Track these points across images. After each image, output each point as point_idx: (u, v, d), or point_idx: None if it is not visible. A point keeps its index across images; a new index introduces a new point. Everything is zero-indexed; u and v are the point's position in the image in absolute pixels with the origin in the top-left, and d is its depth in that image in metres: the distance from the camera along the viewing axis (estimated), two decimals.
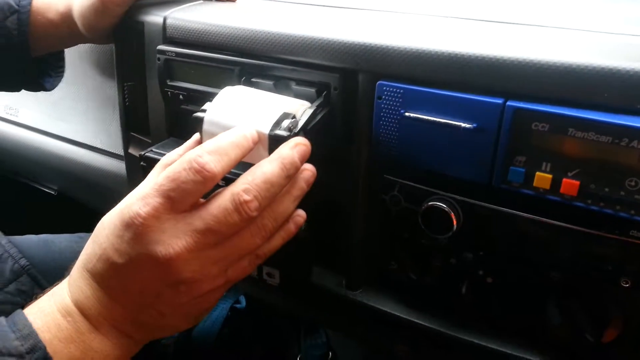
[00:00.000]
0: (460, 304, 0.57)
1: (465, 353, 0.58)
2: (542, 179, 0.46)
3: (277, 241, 0.49)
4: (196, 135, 0.52)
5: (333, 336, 1.26)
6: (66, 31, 0.71)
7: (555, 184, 0.46)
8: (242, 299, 1.37)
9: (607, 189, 0.44)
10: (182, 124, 0.68)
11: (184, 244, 0.42)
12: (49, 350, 0.42)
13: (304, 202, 0.57)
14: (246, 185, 0.44)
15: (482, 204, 0.51)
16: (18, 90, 0.79)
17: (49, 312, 0.45)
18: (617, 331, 0.51)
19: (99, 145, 0.89)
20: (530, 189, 0.47)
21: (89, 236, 0.96)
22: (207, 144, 0.45)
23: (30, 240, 0.91)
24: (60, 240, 0.93)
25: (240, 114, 0.51)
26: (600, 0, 0.70)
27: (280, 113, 0.50)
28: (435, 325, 0.58)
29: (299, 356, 1.26)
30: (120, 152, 0.86)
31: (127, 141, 0.76)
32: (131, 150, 0.76)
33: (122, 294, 0.44)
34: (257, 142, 0.48)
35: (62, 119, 0.94)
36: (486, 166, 0.49)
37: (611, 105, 0.43)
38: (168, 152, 0.61)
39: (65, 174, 0.98)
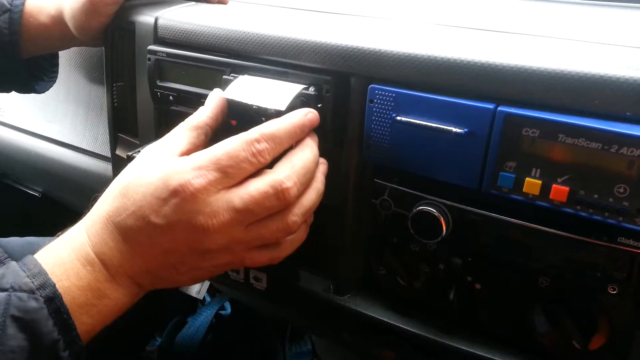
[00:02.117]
0: (448, 310, 0.57)
1: (451, 359, 0.57)
2: (532, 184, 0.46)
3: (302, 233, 0.52)
4: (217, 93, 0.54)
5: (319, 344, 1.25)
6: (57, 33, 0.71)
7: (545, 189, 0.46)
8: (227, 306, 1.36)
9: (596, 196, 0.44)
10: (171, 125, 0.68)
11: (221, 219, 0.44)
12: (64, 294, 0.44)
13: None
14: (288, 172, 0.46)
15: (472, 209, 0.51)
16: (8, 91, 0.78)
17: (68, 261, 0.47)
18: (604, 338, 0.51)
19: (85, 147, 0.88)
20: (519, 195, 0.47)
21: None
22: (266, 128, 0.48)
23: (15, 242, 0.89)
24: (45, 243, 0.92)
25: (256, 94, 0.53)
26: (591, 11, 0.71)
27: (296, 92, 0.52)
28: (422, 331, 0.58)
29: None
30: (107, 153, 0.85)
31: (114, 142, 0.75)
32: (118, 152, 0.75)
33: (148, 250, 0.46)
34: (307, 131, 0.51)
35: (48, 120, 0.93)
36: (476, 171, 0.49)
37: (601, 112, 0.43)
38: None
39: (51, 175, 0.96)
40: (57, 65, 0.80)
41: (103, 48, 0.72)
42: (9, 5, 0.70)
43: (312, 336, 1.27)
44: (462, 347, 0.56)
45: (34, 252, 0.87)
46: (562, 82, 0.44)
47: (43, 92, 0.79)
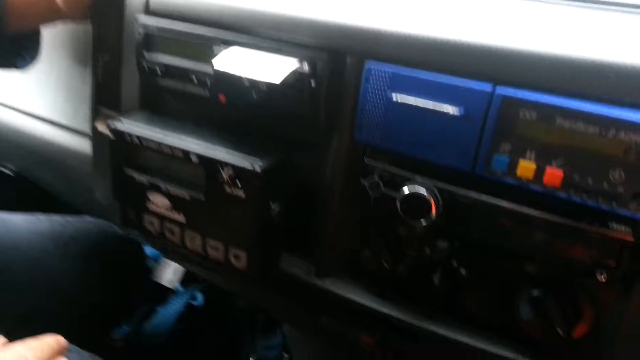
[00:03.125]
0: (432, 295, 0.56)
1: (434, 346, 0.57)
2: (526, 168, 0.46)
3: None
4: None
5: (289, 337, 1.24)
6: (43, 6, 0.68)
7: (539, 173, 0.46)
8: (199, 296, 1.34)
9: (590, 181, 0.44)
10: (157, 100, 0.66)
11: None
12: None
13: (280, 186, 0.56)
14: None
15: (463, 191, 0.50)
16: None
17: None
18: (588, 326, 0.51)
19: (63, 122, 0.84)
20: (513, 178, 0.47)
21: (47, 218, 0.91)
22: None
23: None
24: (16, 220, 0.89)
25: (248, 66, 0.51)
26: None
27: (292, 69, 0.50)
28: (405, 316, 0.58)
29: (254, 357, 1.23)
30: (86, 129, 0.82)
31: (96, 115, 0.72)
32: (99, 127, 0.73)
33: None
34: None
35: (23, 92, 0.89)
36: (470, 153, 0.48)
37: (600, 96, 0.43)
38: (139, 128, 0.58)
39: (26, 151, 0.92)
40: (39, 43, 0.76)
41: (88, 23, 0.70)
42: None
43: (282, 329, 1.26)
44: (445, 333, 0.56)
45: (6, 232, 0.84)
46: (562, 66, 0.44)
47: (24, 68, 0.76)
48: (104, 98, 0.70)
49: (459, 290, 0.56)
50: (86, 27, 0.76)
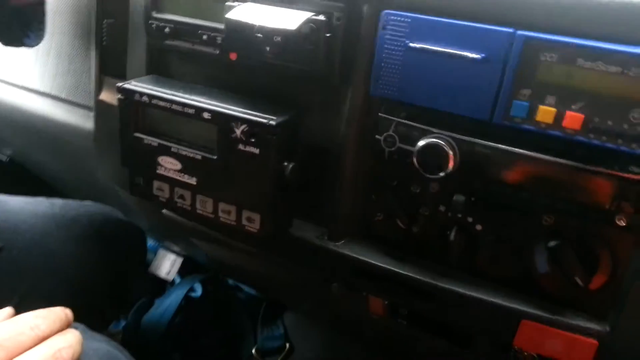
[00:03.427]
0: (447, 253, 0.56)
1: (451, 303, 0.56)
2: (546, 112, 0.46)
3: None
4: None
5: (291, 327, 1.23)
6: None
7: (559, 117, 0.46)
8: (198, 287, 1.32)
9: (610, 122, 0.44)
10: (165, 64, 0.65)
11: None
12: None
13: (293, 144, 0.55)
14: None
15: (480, 141, 0.50)
16: None
17: None
18: (605, 277, 0.51)
19: (63, 95, 0.83)
20: (532, 125, 0.47)
21: (48, 200, 0.90)
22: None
23: None
24: (15, 202, 0.87)
25: (262, 18, 0.51)
26: None
27: (307, 16, 0.50)
28: (419, 275, 0.57)
29: (255, 348, 1.22)
30: (87, 102, 0.81)
31: (100, 85, 0.71)
32: (103, 96, 0.72)
33: None
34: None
35: (20, 65, 0.88)
36: (489, 101, 0.48)
37: (621, 36, 0.43)
38: (148, 87, 0.57)
39: (22, 129, 0.91)
40: (44, 15, 0.75)
41: None
42: None
43: (284, 319, 1.25)
44: (460, 290, 0.55)
45: (5, 212, 0.83)
46: (582, 7, 0.44)
47: (33, 46, 0.75)
48: (109, 66, 0.69)
49: (474, 246, 0.55)
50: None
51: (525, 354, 0.57)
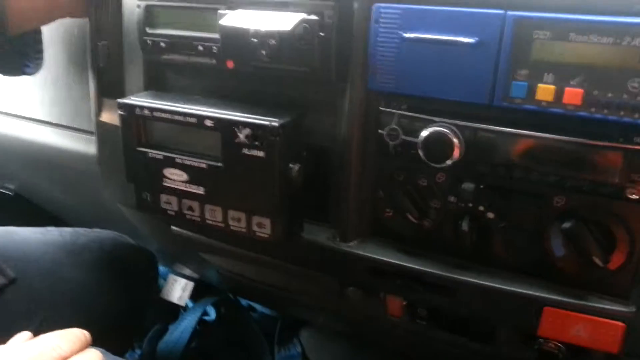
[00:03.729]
0: (461, 245, 0.55)
1: (470, 296, 0.56)
2: (545, 90, 0.46)
3: None
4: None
5: (308, 345, 1.22)
6: (43, 2, 0.68)
7: (559, 94, 0.46)
8: (211, 310, 1.31)
9: (610, 94, 0.44)
10: (162, 80, 0.66)
11: None
12: None
13: (296, 145, 0.55)
14: None
15: (484, 126, 0.50)
16: None
17: None
18: (624, 255, 0.50)
19: (63, 122, 0.84)
20: (533, 104, 0.47)
21: (56, 229, 0.90)
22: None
23: None
24: (24, 232, 0.88)
25: (256, 23, 0.52)
26: None
27: (300, 17, 0.50)
28: (435, 269, 0.56)
29: None
30: (88, 127, 0.82)
31: (99, 107, 0.72)
32: (103, 118, 0.72)
33: None
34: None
35: (19, 96, 0.89)
36: (487, 84, 0.48)
37: (611, 8, 0.43)
38: (148, 101, 0.58)
39: (25, 159, 0.91)
40: (41, 43, 0.76)
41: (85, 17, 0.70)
42: None
43: (300, 337, 1.23)
44: (478, 281, 0.55)
45: (15, 242, 0.83)
46: None
47: (32, 74, 0.76)
48: (107, 88, 0.70)
49: (488, 235, 0.55)
50: (80, 22, 0.77)
51: (551, 344, 0.56)
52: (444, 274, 0.56)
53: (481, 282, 0.55)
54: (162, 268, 1.33)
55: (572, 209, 0.50)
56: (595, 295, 0.52)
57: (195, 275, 1.30)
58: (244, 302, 1.31)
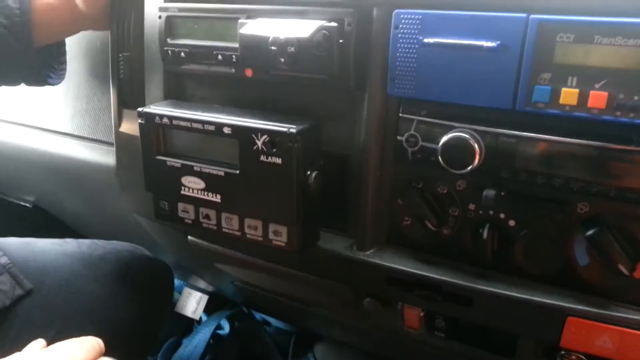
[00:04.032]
0: (481, 253, 0.54)
1: (490, 306, 0.54)
2: (569, 94, 0.45)
3: None
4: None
5: (324, 359, 1.20)
6: (67, 14, 0.69)
7: (583, 98, 0.45)
8: (225, 324, 1.30)
9: (636, 97, 0.43)
10: (181, 88, 0.66)
11: None
12: None
13: (314, 153, 0.55)
14: None
15: (505, 131, 0.49)
16: (17, 83, 0.75)
17: None
18: None
19: (84, 134, 0.85)
20: (556, 108, 0.46)
21: (74, 241, 0.91)
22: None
23: (11, 240, 0.86)
24: (43, 243, 0.88)
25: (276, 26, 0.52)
26: None
27: (319, 24, 0.51)
28: (455, 278, 0.55)
29: None
30: (108, 138, 0.82)
31: (119, 118, 0.72)
32: (123, 129, 0.73)
33: None
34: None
35: (41, 108, 0.90)
36: (509, 88, 0.47)
37: (635, 10, 0.43)
38: (168, 109, 0.58)
39: (46, 170, 0.92)
40: (64, 54, 0.78)
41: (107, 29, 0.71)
42: None
43: (315, 352, 1.22)
44: (499, 291, 0.54)
45: (33, 253, 0.83)
46: None
47: (55, 84, 0.77)
48: (127, 98, 0.71)
49: (508, 243, 0.54)
50: (102, 35, 0.78)
51: (574, 356, 0.55)
52: (464, 283, 0.55)
53: (502, 291, 0.53)
54: (176, 281, 1.32)
55: (596, 215, 0.49)
56: (621, 305, 0.50)
57: (209, 289, 1.30)
58: (258, 316, 1.30)
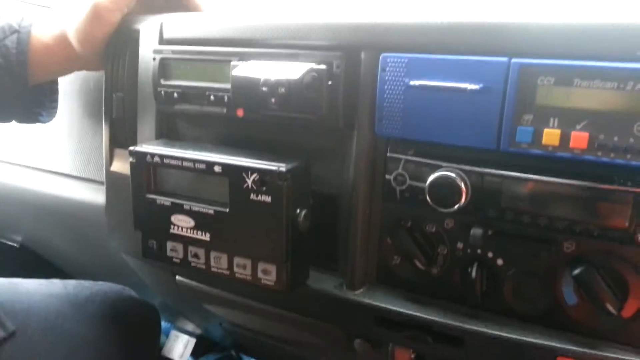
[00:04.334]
0: (471, 293, 0.54)
1: (479, 345, 0.54)
2: (551, 135, 0.47)
3: None
4: None
5: None
6: (62, 53, 0.71)
7: (564, 138, 0.46)
8: None
9: (616, 138, 0.45)
10: (173, 127, 0.67)
11: None
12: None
13: (303, 191, 0.55)
14: None
15: (490, 170, 0.50)
16: (8, 120, 0.76)
17: None
18: (638, 302, 0.49)
19: (74, 173, 0.85)
20: (539, 148, 0.47)
21: (61, 281, 0.90)
22: None
23: None
24: (28, 283, 0.87)
25: (268, 68, 0.54)
26: None
27: (308, 67, 0.52)
28: (445, 318, 0.55)
29: None
30: (98, 177, 0.83)
31: (110, 157, 0.73)
32: (114, 168, 0.73)
33: None
34: None
35: (32, 147, 0.90)
36: (493, 130, 0.49)
37: (611, 55, 0.44)
38: (159, 148, 0.59)
39: (34, 209, 0.92)
40: (57, 93, 0.79)
41: (102, 70, 0.73)
42: (17, 27, 0.70)
43: None
44: (489, 331, 0.53)
45: (18, 294, 0.82)
46: (571, 32, 0.46)
47: (46, 122, 0.78)
48: (119, 138, 0.71)
49: (497, 282, 0.54)
50: (96, 75, 0.79)
51: None
52: (454, 323, 0.55)
53: (492, 331, 0.53)
54: (163, 324, 1.30)
55: (582, 254, 0.50)
56: (610, 345, 0.50)
57: (197, 331, 1.27)
58: (246, 359, 1.28)
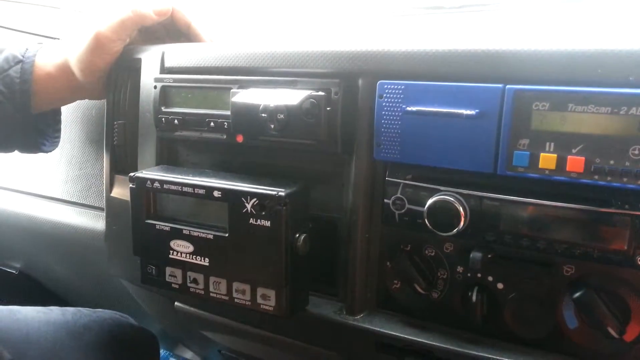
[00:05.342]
0: (471, 317, 0.54)
1: None
2: (547, 159, 0.47)
3: None
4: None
5: None
6: (64, 83, 0.72)
7: (561, 162, 0.47)
8: None
9: (612, 162, 0.45)
10: (173, 154, 0.68)
11: None
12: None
13: (302, 216, 0.56)
14: None
15: (488, 194, 0.50)
16: (11, 150, 0.77)
17: None
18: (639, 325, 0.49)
19: (74, 199, 0.85)
20: (536, 172, 0.48)
21: (59, 309, 0.90)
22: None
23: None
24: (27, 311, 0.87)
25: (267, 95, 0.55)
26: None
27: (307, 93, 0.53)
28: (445, 343, 0.55)
29: None
30: (98, 203, 0.83)
31: (111, 183, 0.73)
32: (114, 194, 0.73)
33: None
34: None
35: (33, 175, 0.91)
36: (490, 154, 0.49)
37: (605, 81, 0.45)
38: (159, 174, 0.59)
39: (34, 236, 0.92)
40: (60, 123, 0.80)
41: (104, 99, 0.74)
42: (21, 57, 0.71)
43: None
44: (490, 356, 0.53)
45: (17, 322, 0.81)
46: (564, 59, 0.46)
47: (49, 152, 0.79)
48: (120, 164, 0.72)
49: (498, 307, 0.54)
50: (98, 104, 0.80)
51: None
52: (455, 348, 0.54)
53: (494, 356, 0.53)
54: (162, 352, 1.28)
55: (582, 277, 0.50)
56: None
57: (196, 359, 1.26)
58: None
